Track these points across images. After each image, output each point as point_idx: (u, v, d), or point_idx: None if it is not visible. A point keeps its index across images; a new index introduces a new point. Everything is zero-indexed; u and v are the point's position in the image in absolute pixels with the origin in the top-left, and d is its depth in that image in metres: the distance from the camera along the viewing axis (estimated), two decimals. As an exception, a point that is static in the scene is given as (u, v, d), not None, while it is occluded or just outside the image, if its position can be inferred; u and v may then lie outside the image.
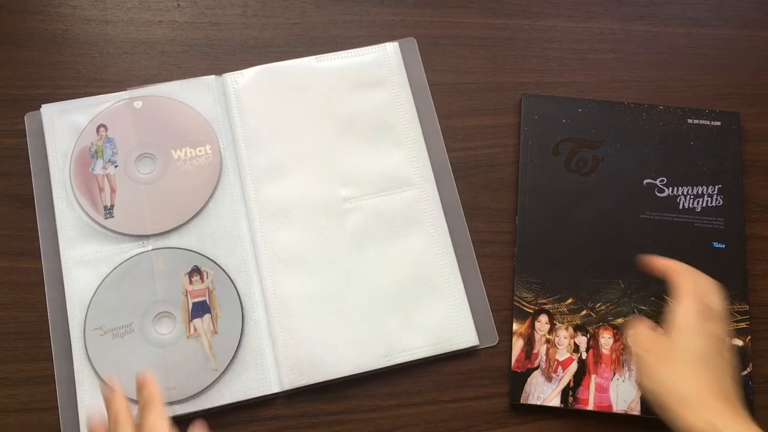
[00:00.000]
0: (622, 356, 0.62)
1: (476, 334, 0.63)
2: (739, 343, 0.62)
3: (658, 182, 0.67)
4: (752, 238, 0.67)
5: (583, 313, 0.63)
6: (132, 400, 0.51)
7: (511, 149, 0.69)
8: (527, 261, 0.65)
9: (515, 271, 0.65)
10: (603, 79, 0.72)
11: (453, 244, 0.65)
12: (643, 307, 0.63)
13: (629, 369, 0.62)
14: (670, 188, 0.67)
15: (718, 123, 0.69)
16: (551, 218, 0.66)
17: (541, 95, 0.70)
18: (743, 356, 0.62)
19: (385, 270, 0.64)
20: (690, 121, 0.69)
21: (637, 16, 0.75)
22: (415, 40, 0.72)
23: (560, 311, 0.63)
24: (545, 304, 0.63)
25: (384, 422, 0.61)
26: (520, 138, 0.68)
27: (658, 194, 0.67)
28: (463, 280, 0.64)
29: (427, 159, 0.67)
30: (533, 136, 0.68)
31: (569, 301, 0.63)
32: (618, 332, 0.63)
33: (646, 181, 0.67)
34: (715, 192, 0.67)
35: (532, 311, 0.63)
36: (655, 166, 0.67)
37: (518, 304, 0.63)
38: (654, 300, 0.63)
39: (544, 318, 0.63)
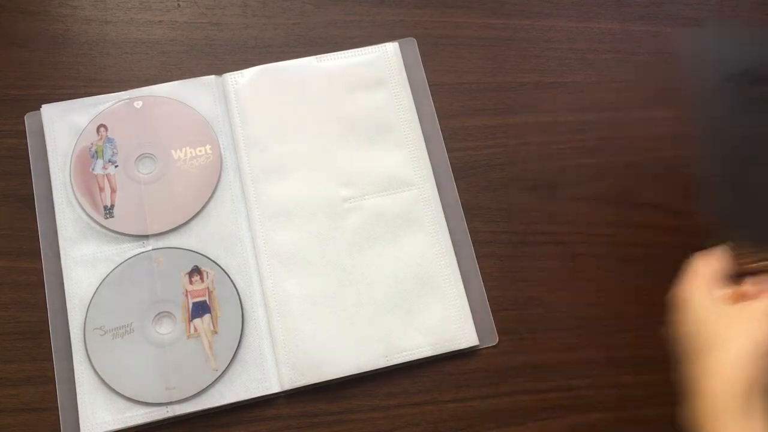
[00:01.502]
0: None
1: (476, 334, 0.63)
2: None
3: None
4: None
5: None
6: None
7: (511, 149, 0.69)
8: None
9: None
10: (603, 79, 0.72)
11: (453, 244, 0.65)
12: None
13: None
14: None
15: None
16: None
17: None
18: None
19: (385, 270, 0.64)
20: None
21: (637, 16, 0.75)
22: (415, 40, 0.72)
23: None
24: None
25: (383, 422, 0.61)
26: None
27: None
28: (463, 280, 0.64)
29: (427, 159, 0.67)
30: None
31: None
32: None
33: None
34: None
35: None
36: None
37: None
38: None
39: None
